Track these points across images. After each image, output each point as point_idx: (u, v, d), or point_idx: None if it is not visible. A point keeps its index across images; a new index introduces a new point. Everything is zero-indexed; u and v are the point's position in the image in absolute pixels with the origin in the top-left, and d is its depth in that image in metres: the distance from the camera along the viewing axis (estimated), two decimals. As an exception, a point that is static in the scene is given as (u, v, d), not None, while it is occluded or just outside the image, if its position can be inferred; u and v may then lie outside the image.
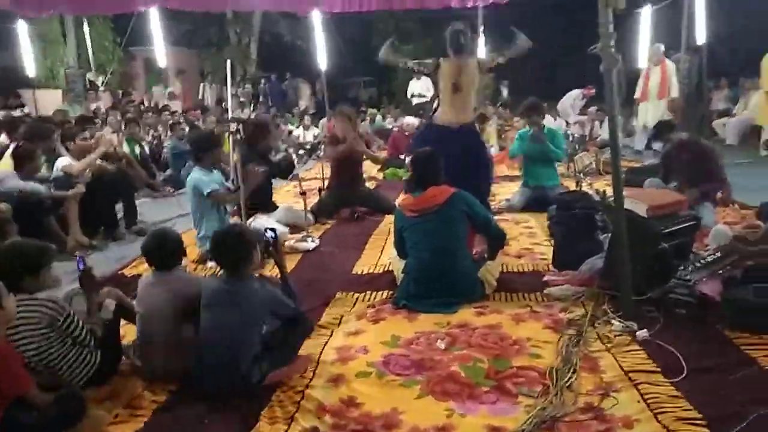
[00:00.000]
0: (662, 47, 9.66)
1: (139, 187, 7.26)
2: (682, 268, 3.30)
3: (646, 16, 11.56)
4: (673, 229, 3.40)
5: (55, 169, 5.31)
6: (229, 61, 4.38)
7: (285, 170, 5.79)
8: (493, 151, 9.86)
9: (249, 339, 2.59)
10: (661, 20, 12.05)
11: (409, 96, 14.50)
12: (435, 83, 5.06)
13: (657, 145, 9.41)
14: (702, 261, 3.39)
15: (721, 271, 3.34)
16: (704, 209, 4.60)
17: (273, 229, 3.07)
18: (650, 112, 9.55)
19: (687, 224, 3.52)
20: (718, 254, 3.45)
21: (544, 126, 6.26)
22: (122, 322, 2.93)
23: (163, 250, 2.81)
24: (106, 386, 2.67)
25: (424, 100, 13.84)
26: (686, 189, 4.61)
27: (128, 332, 3.03)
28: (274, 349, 2.68)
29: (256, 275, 2.94)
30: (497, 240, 3.80)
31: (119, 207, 5.69)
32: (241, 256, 2.67)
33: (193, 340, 2.66)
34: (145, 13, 12.24)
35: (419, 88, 14.11)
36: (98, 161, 5.64)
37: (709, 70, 10.91)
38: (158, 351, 2.68)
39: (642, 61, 12.33)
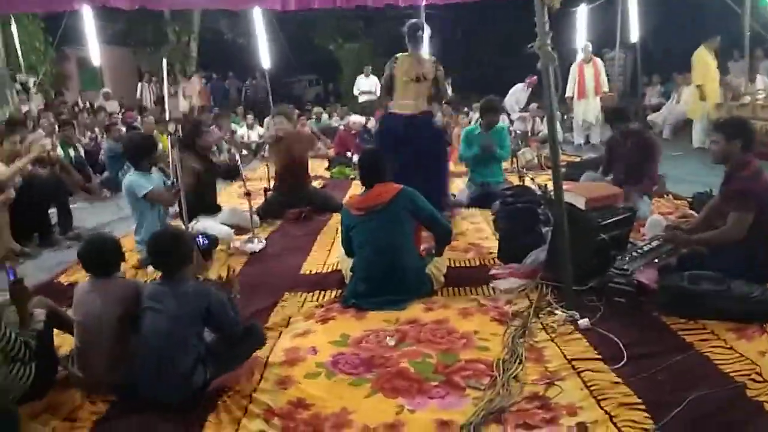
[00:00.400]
0: (590, 45, 9.98)
1: (74, 192, 6.98)
2: (620, 258, 3.41)
3: (581, 14, 11.90)
4: (611, 220, 3.51)
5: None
6: (165, 60, 4.22)
7: (230, 172, 5.64)
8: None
9: (186, 339, 2.50)
10: (596, 18, 12.45)
11: (356, 93, 14.48)
12: (390, 77, 5.11)
13: (595, 139, 9.74)
14: (639, 251, 3.53)
15: (657, 260, 3.48)
16: (640, 201, 4.77)
17: (206, 236, 3.00)
18: (588, 109, 9.87)
19: (624, 216, 3.64)
20: (654, 244, 3.59)
21: (497, 124, 6.36)
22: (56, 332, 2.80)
23: (100, 256, 2.71)
24: (42, 399, 2.55)
25: (371, 98, 13.84)
26: (623, 183, 4.77)
27: (63, 342, 2.90)
28: (221, 354, 2.62)
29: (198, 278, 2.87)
30: (444, 235, 3.83)
31: (53, 212, 5.44)
32: (177, 258, 2.61)
33: (130, 347, 2.57)
34: (77, 12, 11.77)
35: (366, 85, 14.11)
36: (29, 166, 5.38)
37: (643, 66, 11.35)
38: (99, 360, 2.57)
39: (579, 58, 12.73)
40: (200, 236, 3.00)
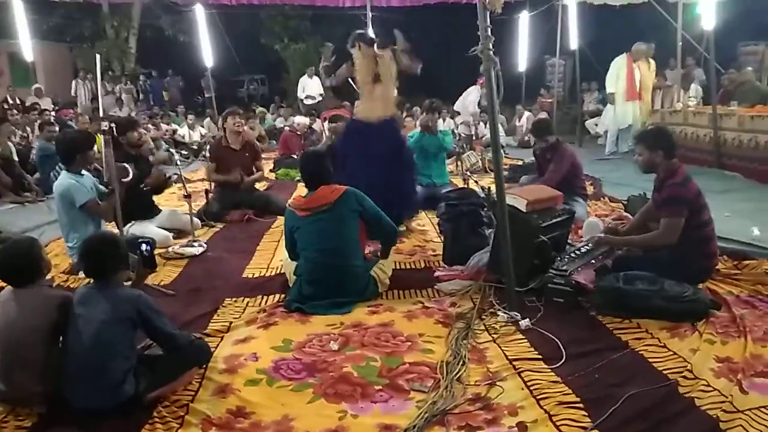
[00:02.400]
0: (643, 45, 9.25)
1: (2, 193, 6.63)
2: (559, 259, 3.49)
3: (523, 21, 12.20)
4: (551, 222, 3.59)
5: None
6: (98, 56, 4.04)
7: (159, 187, 5.34)
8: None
9: (115, 345, 2.39)
10: (537, 26, 12.80)
11: (302, 97, 14.34)
12: (352, 78, 4.91)
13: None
14: (576, 252, 3.62)
15: (593, 261, 3.57)
16: (577, 204, 4.91)
17: (147, 242, 2.88)
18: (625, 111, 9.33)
19: (563, 218, 3.73)
20: (591, 246, 3.69)
21: (436, 127, 6.42)
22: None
23: (14, 265, 2.51)
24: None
25: (316, 101, 13.76)
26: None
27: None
28: (159, 366, 2.53)
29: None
30: (391, 234, 3.82)
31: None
32: (110, 262, 2.50)
33: (60, 357, 2.44)
34: (7, 4, 11.19)
35: (311, 89, 14.00)
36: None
37: (582, 73, 11.72)
38: (22, 373, 2.41)
39: (521, 64, 13.04)
40: (144, 243, 2.85)
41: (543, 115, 10.89)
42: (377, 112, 4.82)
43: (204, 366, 2.74)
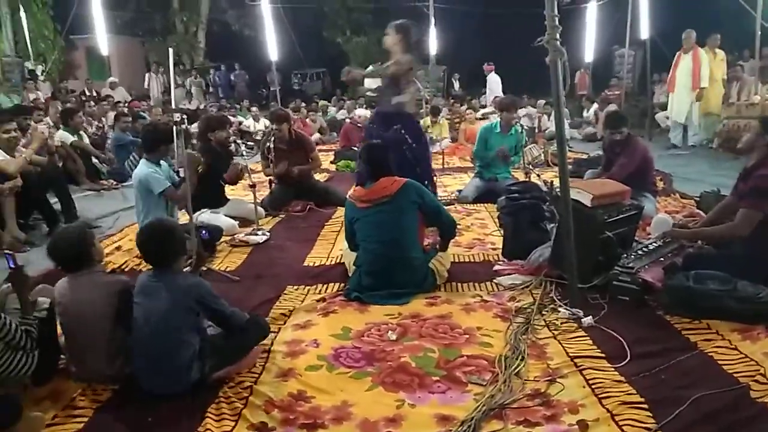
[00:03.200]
0: (694, 33, 8.91)
1: (80, 181, 7.00)
2: (625, 255, 3.39)
3: (591, 11, 11.83)
4: (617, 218, 3.48)
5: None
6: (171, 50, 4.18)
7: (234, 179, 5.60)
8: (446, 143, 9.94)
9: (180, 332, 2.47)
10: (606, 15, 12.38)
11: (365, 89, 14.36)
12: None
13: (693, 140, 9.13)
14: (644, 249, 3.50)
15: (662, 259, 3.45)
16: (645, 199, 4.73)
17: (206, 228, 2.97)
18: (675, 105, 9.19)
19: (630, 213, 3.61)
20: (660, 242, 3.56)
21: (517, 122, 6.34)
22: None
23: (64, 251, 2.62)
24: (44, 387, 2.55)
25: (376, 94, 13.77)
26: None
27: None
28: (223, 347, 2.61)
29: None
30: (448, 228, 3.82)
31: (55, 201, 5.45)
32: (167, 250, 2.57)
33: (125, 341, 2.55)
34: (86, 1, 11.78)
35: (373, 82, 14.03)
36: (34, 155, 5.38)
37: (652, 64, 11.27)
38: (91, 361, 2.55)
39: (588, 55, 12.67)
40: (203, 229, 2.96)
41: (612, 107, 10.55)
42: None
43: (268, 348, 2.83)
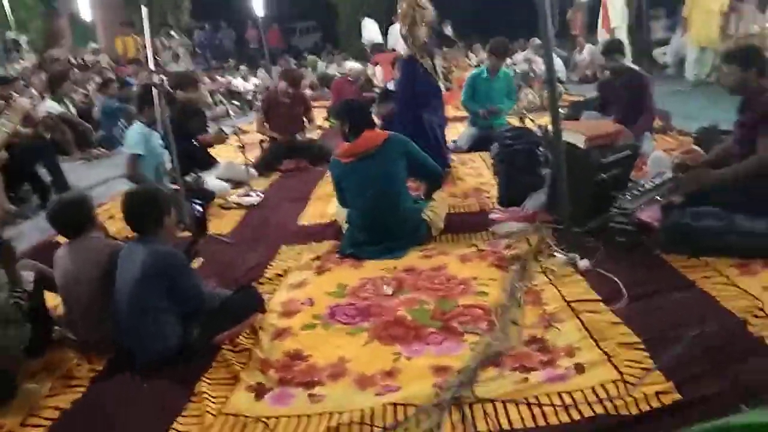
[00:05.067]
0: None
1: (69, 151, 6.91)
2: (621, 196, 3.32)
3: (584, -54, 11.43)
4: (612, 159, 3.40)
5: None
6: (145, 9, 4.04)
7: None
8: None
9: (150, 298, 2.41)
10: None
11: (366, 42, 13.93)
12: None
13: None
14: (640, 189, 3.43)
15: (659, 198, 3.38)
16: (643, 137, 4.64)
17: (201, 204, 2.89)
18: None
19: (625, 154, 3.53)
20: (657, 181, 3.48)
21: (502, 68, 6.17)
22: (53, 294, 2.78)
23: (65, 216, 2.63)
24: (40, 358, 2.56)
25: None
26: (625, 122, 4.61)
27: (60, 303, 2.89)
28: (214, 315, 2.57)
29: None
30: (435, 179, 3.80)
31: (44, 172, 5.38)
32: (149, 218, 2.53)
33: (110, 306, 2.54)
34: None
35: (370, 33, 13.61)
36: (19, 127, 5.28)
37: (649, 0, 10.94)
38: (83, 321, 2.56)
39: (582, -8, 12.27)
40: (194, 203, 2.87)
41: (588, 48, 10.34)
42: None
43: (257, 312, 2.81)
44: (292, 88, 5.90)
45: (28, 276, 2.59)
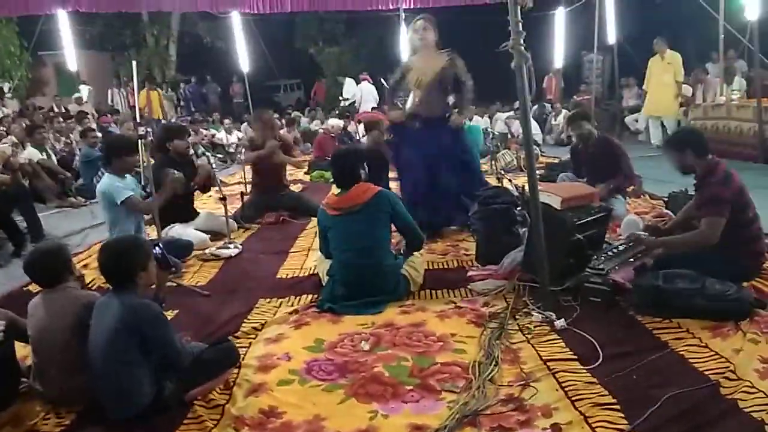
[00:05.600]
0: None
1: (48, 199, 6.86)
2: (595, 257, 3.40)
3: (559, 17, 11.99)
4: (587, 220, 3.50)
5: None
6: (134, 63, 4.14)
7: (206, 187, 5.49)
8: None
9: (123, 352, 2.36)
10: (574, 21, 12.56)
11: (343, 98, 14.30)
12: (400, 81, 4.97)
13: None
14: (614, 250, 3.52)
15: (632, 260, 3.47)
16: (615, 200, 4.78)
17: (159, 245, 2.88)
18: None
19: (599, 215, 3.64)
20: (630, 243, 3.59)
21: (464, 124, 6.32)
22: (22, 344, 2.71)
23: (43, 266, 2.60)
24: (5, 411, 2.47)
25: (349, 102, 13.76)
26: (596, 184, 4.75)
27: (28, 354, 2.81)
28: (190, 370, 2.51)
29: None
30: (416, 245, 3.81)
31: (20, 219, 5.32)
32: (122, 270, 2.49)
33: (84, 357, 2.48)
34: (53, 16, 11.61)
35: (348, 90, 14.04)
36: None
37: (620, 68, 11.45)
38: (54, 373, 2.48)
39: (557, 60, 12.82)
40: (156, 246, 2.84)
41: (563, 114, 10.71)
42: (436, 111, 4.84)
43: (238, 365, 2.77)
44: (266, 129, 5.98)
45: None
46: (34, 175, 6.86)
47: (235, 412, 2.41)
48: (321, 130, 10.90)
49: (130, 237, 3.21)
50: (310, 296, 3.71)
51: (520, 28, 3.13)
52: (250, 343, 3.08)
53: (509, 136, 10.36)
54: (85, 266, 4.53)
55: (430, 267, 4.12)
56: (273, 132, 6.14)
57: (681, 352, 2.70)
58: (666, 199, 5.37)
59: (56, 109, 13.24)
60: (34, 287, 4.08)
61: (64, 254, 2.68)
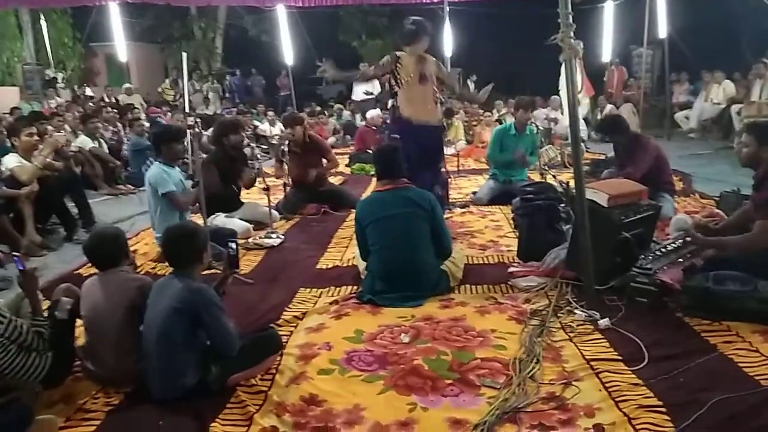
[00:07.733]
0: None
1: (98, 186, 7.09)
2: (643, 257, 3.32)
3: (608, 10, 11.70)
4: (634, 218, 3.41)
5: (3, 166, 5.10)
6: (185, 55, 4.23)
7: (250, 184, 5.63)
8: (461, 145, 9.90)
9: (174, 334, 2.43)
10: (624, 15, 12.24)
11: (357, 98, 14.16)
12: (395, 79, 4.85)
13: None
14: (662, 250, 3.43)
15: (681, 260, 3.38)
16: (663, 199, 4.65)
17: (234, 241, 2.96)
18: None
19: (647, 213, 3.55)
20: (679, 243, 3.49)
21: (531, 123, 6.29)
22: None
23: (102, 249, 2.70)
24: (58, 388, 2.57)
25: (371, 96, 13.58)
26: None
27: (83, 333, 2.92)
28: (238, 353, 2.56)
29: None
30: (445, 254, 3.69)
31: (72, 207, 5.51)
32: (187, 254, 2.59)
33: (137, 339, 2.57)
34: (105, 8, 11.95)
35: (365, 86, 13.89)
36: (49, 159, 5.45)
37: (671, 63, 11.12)
38: (106, 354, 2.57)
39: (606, 55, 12.53)
40: (229, 242, 2.94)
41: (609, 108, 10.41)
42: (423, 116, 4.80)
43: (280, 353, 2.81)
44: (290, 128, 5.98)
45: (65, 303, 2.64)
46: (85, 162, 7.09)
47: (276, 399, 2.45)
48: (362, 123, 10.92)
49: (193, 223, 3.32)
50: (350, 288, 3.73)
51: (570, 21, 3.07)
52: (291, 332, 3.12)
53: (552, 131, 10.19)
54: (134, 251, 4.66)
55: (471, 262, 4.09)
56: (304, 129, 6.10)
57: (730, 356, 2.62)
58: (717, 199, 5.21)
59: (106, 99, 13.65)
60: (85, 270, 4.24)
61: (121, 238, 2.79)
